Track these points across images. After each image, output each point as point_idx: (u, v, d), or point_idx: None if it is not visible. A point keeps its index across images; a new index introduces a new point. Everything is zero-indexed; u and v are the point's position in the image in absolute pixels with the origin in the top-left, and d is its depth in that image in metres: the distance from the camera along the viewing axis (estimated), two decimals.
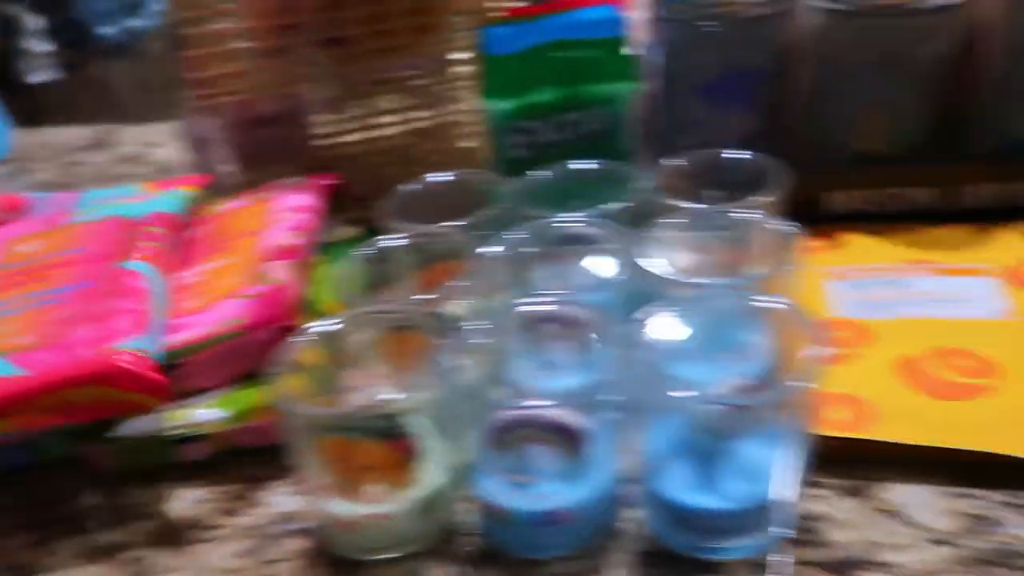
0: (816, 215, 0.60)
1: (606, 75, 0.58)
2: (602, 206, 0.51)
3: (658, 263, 0.46)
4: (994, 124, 0.58)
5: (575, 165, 0.55)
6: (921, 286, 0.53)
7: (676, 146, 0.59)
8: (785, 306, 0.41)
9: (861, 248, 0.58)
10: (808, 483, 0.43)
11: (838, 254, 0.57)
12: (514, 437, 0.42)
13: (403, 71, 0.70)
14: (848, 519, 0.41)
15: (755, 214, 0.47)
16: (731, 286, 0.45)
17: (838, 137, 0.59)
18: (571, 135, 0.59)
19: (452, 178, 0.57)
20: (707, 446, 0.41)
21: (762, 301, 0.42)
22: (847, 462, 0.44)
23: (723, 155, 0.54)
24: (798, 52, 0.57)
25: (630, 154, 0.60)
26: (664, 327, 0.43)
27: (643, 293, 0.44)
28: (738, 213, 0.47)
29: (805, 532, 0.41)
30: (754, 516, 0.40)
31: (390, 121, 0.69)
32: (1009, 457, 0.41)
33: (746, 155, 0.53)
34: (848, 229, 0.59)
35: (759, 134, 0.60)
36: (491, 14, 0.67)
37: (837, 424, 0.44)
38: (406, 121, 0.70)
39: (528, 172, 0.56)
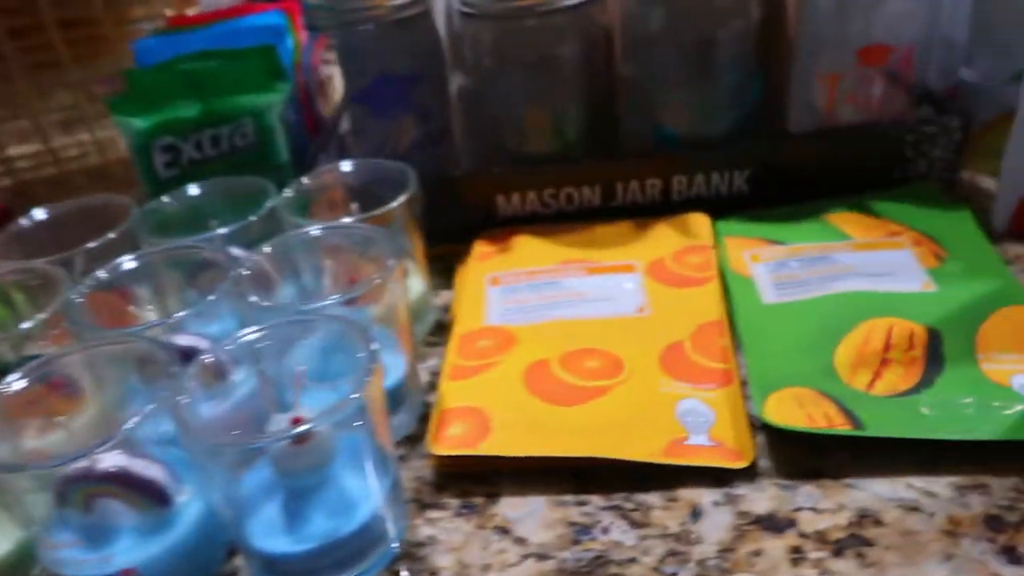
0: (493, 219, 0.60)
1: (251, 86, 0.55)
2: (230, 226, 0.48)
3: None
4: (643, 120, 0.59)
5: (207, 184, 0.52)
6: (572, 287, 0.53)
7: (346, 156, 0.57)
8: (344, 322, 0.38)
9: (526, 250, 0.57)
10: (424, 505, 0.42)
11: (503, 259, 0.56)
12: (79, 495, 0.37)
13: (59, 87, 0.64)
14: (460, 541, 0.40)
15: (371, 228, 0.45)
16: (322, 308, 0.41)
17: (501, 139, 0.58)
18: (221, 150, 0.55)
19: (79, 205, 0.52)
20: (287, 485, 0.38)
21: (326, 318, 0.39)
22: (467, 479, 0.42)
23: (364, 165, 0.51)
24: (442, 56, 0.55)
25: (293, 167, 0.57)
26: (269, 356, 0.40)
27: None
28: (356, 228, 0.45)
29: (413, 560, 0.39)
30: (347, 551, 0.37)
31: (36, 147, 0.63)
32: (614, 460, 0.40)
33: (389, 164, 0.51)
34: (518, 232, 0.58)
35: (427, 140, 0.58)
36: (155, 24, 0.63)
37: (452, 441, 0.42)
38: (57, 143, 0.64)
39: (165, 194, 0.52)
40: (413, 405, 0.47)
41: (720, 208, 0.58)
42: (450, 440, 0.43)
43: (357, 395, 0.34)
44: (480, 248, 0.58)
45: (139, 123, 0.54)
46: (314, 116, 0.60)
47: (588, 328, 0.49)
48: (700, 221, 0.57)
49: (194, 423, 0.35)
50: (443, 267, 0.60)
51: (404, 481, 0.43)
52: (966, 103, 0.62)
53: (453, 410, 0.45)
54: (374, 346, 0.36)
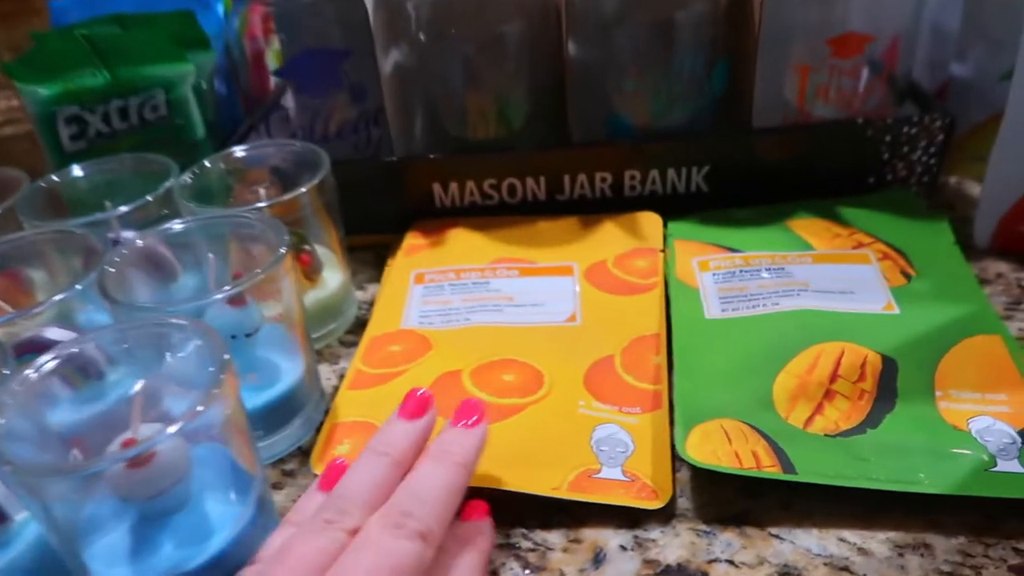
0: (430, 209, 0.55)
1: (162, 55, 0.50)
2: (123, 207, 0.44)
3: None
4: (594, 108, 0.53)
5: (107, 161, 0.47)
6: (501, 289, 0.48)
7: (271, 133, 0.52)
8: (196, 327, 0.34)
9: (459, 245, 0.52)
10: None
11: (433, 254, 0.51)
12: None
13: None
14: None
15: (261, 217, 0.40)
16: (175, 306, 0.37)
17: (440, 124, 0.53)
18: (131, 124, 0.50)
19: None
20: (140, 508, 0.34)
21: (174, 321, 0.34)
22: None
23: (274, 146, 0.47)
24: (369, 31, 0.50)
25: (223, 144, 0.52)
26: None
27: None
28: (243, 217, 0.40)
29: None
30: None
31: None
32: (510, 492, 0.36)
33: (307, 146, 0.47)
34: (455, 224, 0.54)
35: (362, 121, 0.54)
36: None
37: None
38: None
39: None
40: (310, 414, 0.42)
41: (676, 208, 0.53)
42: (336, 459, 0.38)
43: (199, 410, 0.30)
44: (411, 240, 0.53)
45: (42, 91, 0.49)
46: (242, 90, 0.56)
47: (511, 336, 0.44)
48: (651, 221, 0.52)
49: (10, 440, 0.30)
50: (375, 258, 0.56)
51: (287, 502, 0.39)
52: (956, 101, 0.56)
53: (346, 424, 0.40)
54: (226, 356, 0.31)
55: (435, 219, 0.54)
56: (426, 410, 0.34)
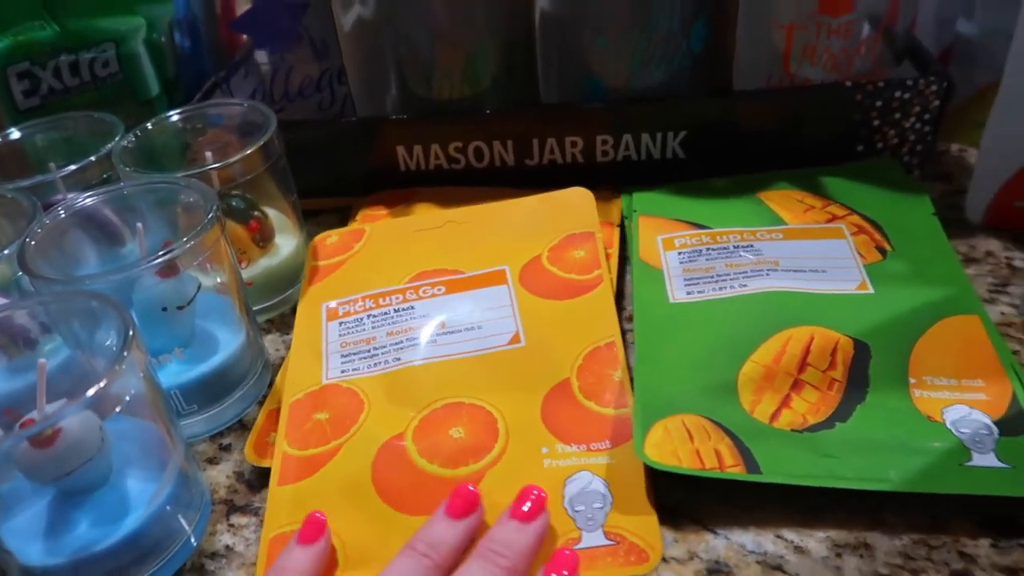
0: (394, 173, 0.53)
1: (111, 7, 0.48)
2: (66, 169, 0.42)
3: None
4: (567, 68, 0.50)
5: (51, 120, 0.46)
6: (429, 313, 0.42)
7: (232, 92, 0.51)
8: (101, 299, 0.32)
9: (375, 258, 0.46)
10: (235, 509, 0.36)
11: (342, 279, 0.45)
12: None
13: None
14: (256, 555, 0.35)
15: (192, 183, 0.38)
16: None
17: (404, 82, 0.51)
18: (83, 80, 0.49)
19: None
20: (60, 487, 0.33)
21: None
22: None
23: (222, 106, 0.45)
24: None
25: (167, 100, 0.50)
26: None
27: None
28: (172, 181, 0.38)
29: (200, 573, 0.34)
30: (113, 564, 0.32)
31: None
32: None
33: (245, 105, 0.45)
34: (374, 217, 0.50)
35: (325, 79, 0.51)
36: None
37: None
38: None
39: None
40: (251, 387, 0.41)
41: (651, 176, 0.50)
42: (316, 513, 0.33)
43: (100, 387, 0.28)
44: (324, 244, 0.48)
45: None
46: (207, 45, 0.54)
47: (451, 373, 0.39)
48: (582, 198, 0.47)
49: None
50: (339, 222, 0.54)
51: (221, 478, 0.38)
52: (961, 63, 0.52)
53: (285, 537, 0.34)
54: (131, 331, 0.30)
55: (393, 189, 0.52)
56: (474, 508, 0.31)
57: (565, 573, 0.29)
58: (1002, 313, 0.41)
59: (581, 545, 0.32)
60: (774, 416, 0.35)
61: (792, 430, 0.34)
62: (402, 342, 0.40)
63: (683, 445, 0.34)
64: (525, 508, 0.31)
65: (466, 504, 0.31)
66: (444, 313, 0.41)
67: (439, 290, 0.43)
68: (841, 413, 0.34)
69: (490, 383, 0.38)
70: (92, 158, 0.43)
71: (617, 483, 0.33)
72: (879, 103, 0.47)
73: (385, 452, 0.35)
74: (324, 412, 0.38)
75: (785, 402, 0.35)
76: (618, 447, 0.35)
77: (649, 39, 0.47)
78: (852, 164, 0.48)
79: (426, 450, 0.35)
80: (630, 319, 0.42)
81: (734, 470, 0.32)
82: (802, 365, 0.37)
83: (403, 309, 0.42)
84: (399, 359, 0.39)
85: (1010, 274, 0.43)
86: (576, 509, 0.33)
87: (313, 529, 0.32)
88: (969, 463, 0.32)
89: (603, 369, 0.38)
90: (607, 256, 0.45)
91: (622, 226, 0.48)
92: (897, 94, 0.46)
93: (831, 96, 0.47)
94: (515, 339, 0.40)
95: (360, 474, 0.35)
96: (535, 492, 0.31)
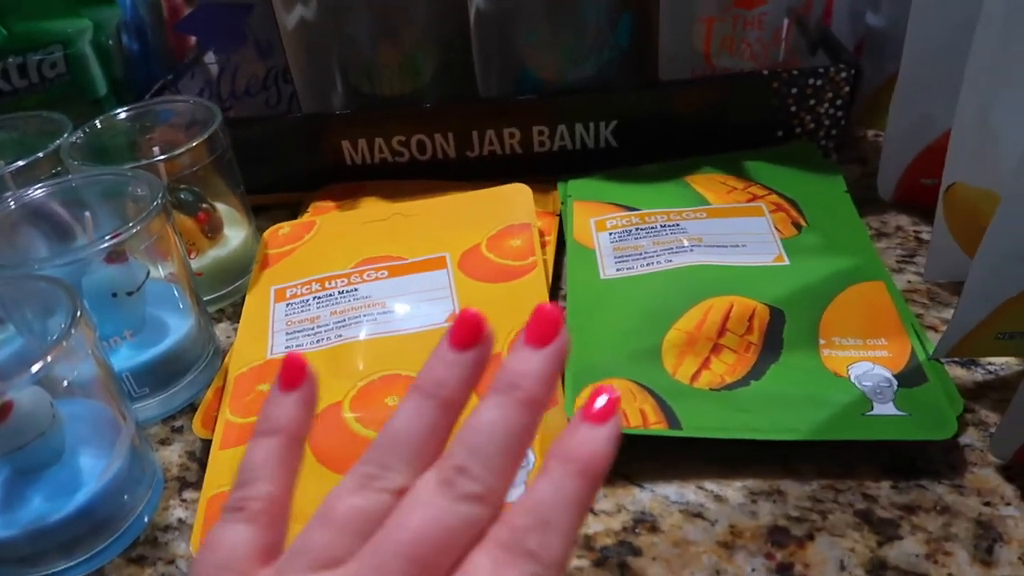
0: (340, 167, 0.55)
1: (57, 10, 0.49)
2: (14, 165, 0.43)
3: None
4: (504, 63, 0.53)
5: (2, 119, 0.47)
6: (372, 295, 0.44)
7: (180, 91, 0.52)
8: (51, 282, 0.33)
9: (324, 247, 0.48)
10: (187, 485, 0.38)
11: (292, 264, 0.47)
12: None
13: None
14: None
15: (138, 174, 0.40)
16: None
17: (346, 79, 0.53)
18: (31, 82, 0.50)
19: None
20: (13, 463, 0.34)
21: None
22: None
23: (169, 103, 0.46)
24: None
25: (116, 101, 0.52)
26: None
27: None
28: (118, 173, 0.40)
29: (153, 546, 0.35)
30: (66, 536, 0.34)
31: None
32: None
33: (191, 102, 0.46)
34: (324, 210, 0.52)
35: (272, 78, 0.53)
36: None
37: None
38: None
39: None
40: (203, 371, 0.43)
41: (587, 164, 0.53)
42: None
43: (46, 363, 0.30)
44: (276, 235, 0.49)
45: None
46: (155, 47, 0.55)
47: (389, 348, 0.41)
48: (521, 193, 0.49)
49: None
50: (289, 217, 0.55)
51: (173, 457, 0.40)
52: (871, 53, 0.56)
53: (223, 496, 0.35)
54: (78, 312, 0.31)
55: (341, 183, 0.54)
56: (480, 334, 0.27)
57: (546, 333, 0.26)
58: (908, 281, 0.44)
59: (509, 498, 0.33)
60: (694, 377, 0.37)
61: (711, 389, 0.37)
62: (345, 320, 0.42)
63: None
64: (545, 336, 0.26)
65: (470, 330, 0.27)
66: (385, 294, 0.43)
67: (382, 274, 0.45)
68: (756, 372, 0.37)
69: (425, 357, 0.39)
70: (40, 154, 0.44)
71: (546, 444, 0.35)
72: (794, 90, 0.50)
73: (322, 418, 0.37)
74: (267, 384, 0.40)
75: (705, 364, 0.38)
76: (546, 411, 0.37)
77: (578, 34, 0.50)
78: (773, 149, 0.51)
79: (362, 417, 0.37)
80: (566, 299, 0.44)
81: (657, 427, 0.35)
82: (721, 330, 0.39)
83: (347, 291, 0.44)
84: (341, 336, 0.41)
85: (917, 246, 0.47)
86: None
87: (294, 369, 0.27)
88: (870, 413, 0.35)
89: None
90: (544, 244, 0.47)
91: (560, 215, 0.51)
92: (811, 81, 0.50)
93: (750, 84, 0.50)
94: (452, 318, 0.42)
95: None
96: (550, 310, 0.27)
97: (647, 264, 0.44)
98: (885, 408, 0.35)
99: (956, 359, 0.39)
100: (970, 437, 0.35)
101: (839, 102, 0.50)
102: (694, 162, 0.51)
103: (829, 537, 0.32)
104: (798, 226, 0.45)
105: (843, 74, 0.49)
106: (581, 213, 0.48)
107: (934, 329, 0.41)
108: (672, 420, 0.35)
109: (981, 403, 0.37)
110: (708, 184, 0.49)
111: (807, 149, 0.51)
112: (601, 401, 0.26)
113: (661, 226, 0.46)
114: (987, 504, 0.32)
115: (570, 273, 0.44)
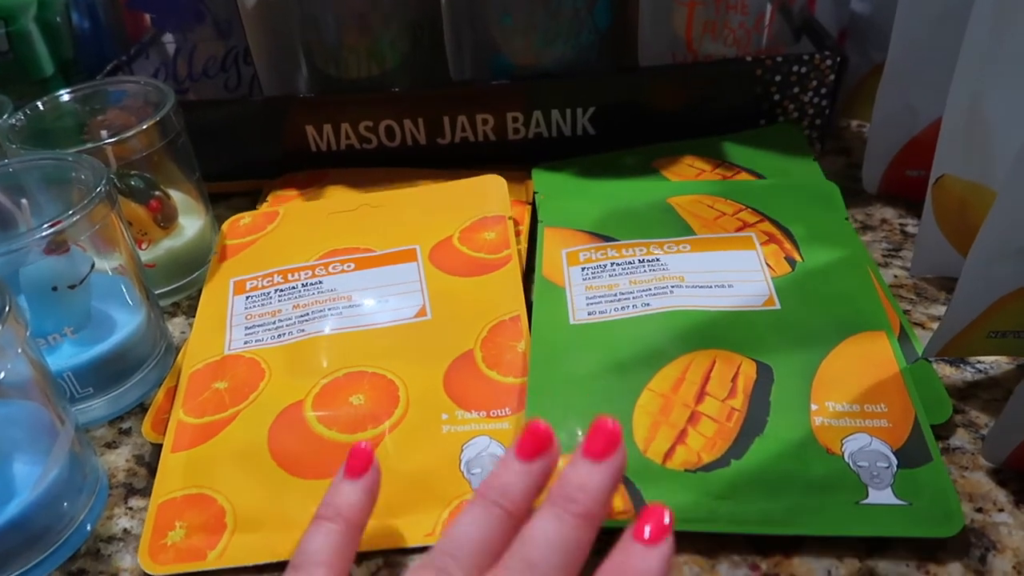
0: (305, 153, 0.52)
1: None
2: None
3: None
4: (476, 47, 0.50)
5: None
6: (337, 288, 0.41)
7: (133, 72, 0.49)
8: None
9: (286, 238, 0.46)
10: (134, 492, 0.35)
11: (253, 255, 0.45)
12: None
13: None
14: None
15: (76, 160, 0.37)
16: None
17: (312, 60, 0.50)
18: None
19: None
20: None
21: None
22: None
23: (119, 84, 0.44)
24: None
25: (65, 81, 0.49)
26: None
27: None
28: (59, 157, 0.37)
29: (95, 558, 0.33)
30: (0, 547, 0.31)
31: None
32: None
33: (142, 83, 0.44)
34: (287, 199, 0.50)
35: (231, 60, 0.50)
36: None
37: (173, 553, 0.32)
38: None
39: None
40: (154, 369, 0.40)
41: (563, 152, 0.50)
42: (170, 552, 0.32)
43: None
44: (237, 226, 0.47)
45: None
46: (107, 25, 0.52)
47: (354, 344, 0.39)
48: (496, 185, 0.47)
49: None
50: (251, 205, 0.53)
51: (120, 461, 0.37)
52: (856, 41, 0.54)
53: (174, 502, 0.33)
54: (7, 306, 0.29)
55: (304, 171, 0.51)
56: (547, 447, 0.28)
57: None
58: (895, 276, 0.43)
59: None
60: (668, 455, 0.33)
61: (686, 470, 0.32)
62: (308, 314, 0.40)
63: None
64: (600, 448, 0.27)
65: (538, 443, 0.28)
66: (352, 287, 0.41)
67: (348, 267, 0.43)
68: (737, 449, 0.33)
69: (394, 353, 0.38)
70: None
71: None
72: (778, 77, 0.48)
73: (283, 419, 0.35)
74: (223, 381, 0.37)
75: (680, 437, 0.33)
76: (517, 413, 0.35)
77: (553, 16, 0.47)
78: (754, 131, 0.49)
79: (325, 417, 0.35)
80: (530, 344, 0.39)
81: (623, 517, 0.31)
82: (700, 394, 0.35)
83: (311, 284, 0.42)
84: (304, 331, 0.39)
85: (903, 239, 0.45)
86: (472, 472, 0.33)
87: (361, 458, 0.30)
88: (865, 501, 0.30)
89: (507, 341, 0.38)
90: (518, 232, 0.45)
91: (533, 203, 0.48)
92: (795, 68, 0.48)
93: (733, 71, 0.48)
94: (422, 312, 0.40)
95: (256, 440, 0.34)
96: (608, 423, 0.27)
97: (622, 307, 0.39)
98: (882, 496, 0.31)
99: (945, 358, 0.37)
100: (960, 440, 0.34)
101: (824, 90, 0.48)
102: (673, 147, 0.49)
103: (816, 547, 0.30)
104: (792, 261, 0.41)
105: (828, 62, 0.47)
106: (552, 243, 0.44)
107: (922, 326, 0.39)
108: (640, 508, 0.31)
109: (971, 403, 0.35)
110: (694, 208, 0.45)
111: (789, 129, 0.49)
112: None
113: (640, 260, 0.41)
114: (979, 511, 0.31)
115: (536, 315, 0.40)
